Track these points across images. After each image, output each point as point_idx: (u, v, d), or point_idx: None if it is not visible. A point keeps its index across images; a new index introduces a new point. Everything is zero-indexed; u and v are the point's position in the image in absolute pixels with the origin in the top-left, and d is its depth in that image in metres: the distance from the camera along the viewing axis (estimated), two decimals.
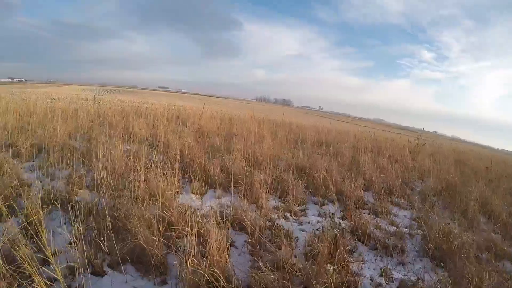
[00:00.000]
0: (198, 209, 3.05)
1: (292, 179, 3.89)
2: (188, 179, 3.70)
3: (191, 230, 2.14)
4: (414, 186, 5.61)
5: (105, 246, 2.13)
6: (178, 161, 4.01)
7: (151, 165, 3.32)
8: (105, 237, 2.18)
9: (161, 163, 3.50)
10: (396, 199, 4.50)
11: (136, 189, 2.90)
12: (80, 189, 3.06)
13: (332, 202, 3.90)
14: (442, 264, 2.59)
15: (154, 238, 2.07)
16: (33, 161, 4.14)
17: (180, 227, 2.20)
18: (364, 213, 3.81)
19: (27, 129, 5.27)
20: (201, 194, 3.44)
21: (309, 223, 3.20)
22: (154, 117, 8.53)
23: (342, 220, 3.41)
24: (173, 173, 3.33)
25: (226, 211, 2.93)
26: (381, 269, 2.47)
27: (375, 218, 3.63)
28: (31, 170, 3.86)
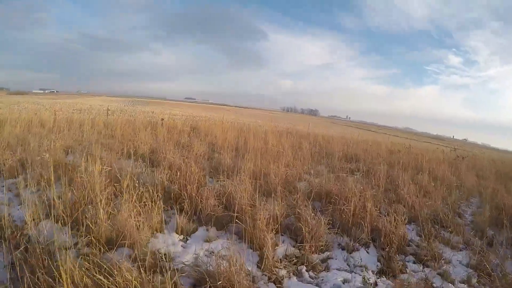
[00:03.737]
0: (178, 256, 2.24)
1: (313, 215, 2.90)
2: (177, 211, 2.89)
3: None
4: (462, 212, 4.46)
5: None
6: (165, 186, 3.22)
7: (124, 193, 2.56)
8: None
9: (141, 191, 2.72)
10: (446, 234, 3.43)
11: (92, 228, 2.13)
12: (38, 220, 2.35)
13: (366, 245, 2.92)
14: None
15: None
16: (15, 178, 3.60)
17: None
18: (407, 261, 2.80)
19: (26, 142, 4.83)
20: (187, 234, 2.60)
21: (332, 284, 2.24)
22: (167, 129, 7.97)
23: (380, 277, 2.43)
24: (152, 205, 2.55)
25: (216, 263, 2.06)
26: None
27: (423, 269, 2.64)
28: (10, 190, 3.41)
